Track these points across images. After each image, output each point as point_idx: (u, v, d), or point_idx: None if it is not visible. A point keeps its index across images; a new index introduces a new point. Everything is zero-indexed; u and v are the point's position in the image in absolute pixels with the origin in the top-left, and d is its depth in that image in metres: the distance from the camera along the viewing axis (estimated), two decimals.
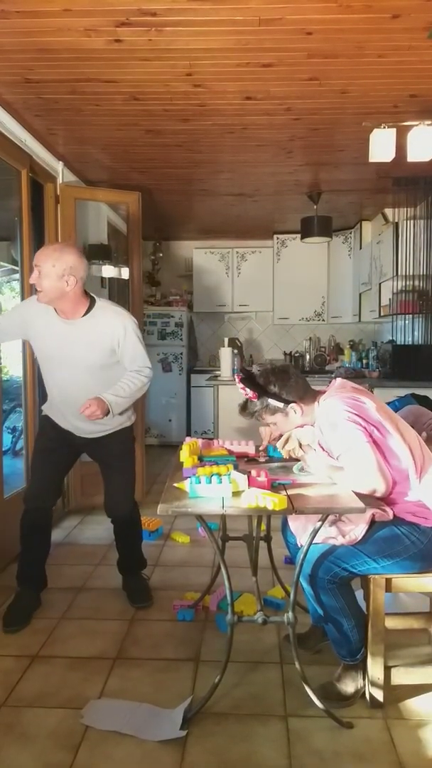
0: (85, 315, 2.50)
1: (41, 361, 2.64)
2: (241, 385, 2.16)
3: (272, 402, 2.14)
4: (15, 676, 2.21)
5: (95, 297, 2.58)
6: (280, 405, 2.14)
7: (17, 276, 3.69)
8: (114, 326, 2.51)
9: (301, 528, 2.10)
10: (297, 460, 2.20)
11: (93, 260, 4.72)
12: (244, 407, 2.23)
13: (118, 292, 5.42)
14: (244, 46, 2.53)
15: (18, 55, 2.62)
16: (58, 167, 4.10)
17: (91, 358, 2.52)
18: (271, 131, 3.59)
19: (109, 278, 5.20)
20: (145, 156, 4.07)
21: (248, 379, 2.17)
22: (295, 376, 2.17)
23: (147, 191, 4.80)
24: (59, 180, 4.11)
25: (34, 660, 2.32)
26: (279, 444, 2.25)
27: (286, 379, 2.14)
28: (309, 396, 2.16)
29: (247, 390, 2.15)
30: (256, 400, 2.15)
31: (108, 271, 5.04)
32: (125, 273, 4.87)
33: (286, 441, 2.20)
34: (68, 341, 2.49)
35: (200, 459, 2.21)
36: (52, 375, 2.62)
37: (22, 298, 3.47)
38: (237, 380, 2.19)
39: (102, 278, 5.07)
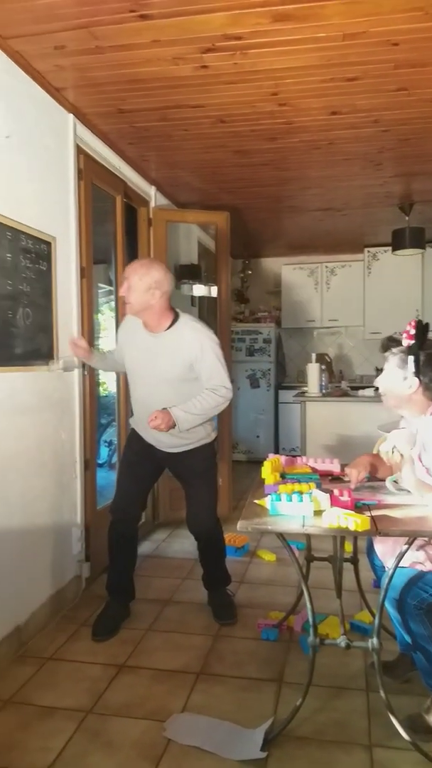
0: (168, 329, 2.59)
1: (129, 375, 2.76)
2: (413, 324, 2.02)
3: (411, 363, 2.00)
4: (102, 684, 2.27)
5: (180, 312, 2.66)
6: (412, 372, 1.99)
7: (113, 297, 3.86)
8: (191, 343, 2.57)
9: (388, 551, 2.03)
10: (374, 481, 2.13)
11: (183, 280, 4.84)
12: (391, 339, 2.11)
13: (207, 310, 5.51)
14: (328, 62, 2.53)
15: (111, 87, 2.76)
16: (150, 191, 4.25)
17: (171, 371, 2.58)
18: (358, 144, 3.54)
19: (199, 297, 5.31)
20: (233, 176, 4.14)
21: (423, 329, 2.02)
22: None
23: (236, 210, 4.87)
24: (152, 204, 4.27)
25: (121, 670, 2.37)
26: (377, 446, 2.17)
27: None
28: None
29: (412, 332, 2.01)
30: (412, 341, 2.01)
31: (198, 290, 5.14)
32: (214, 291, 4.96)
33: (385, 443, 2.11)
34: (152, 353, 2.59)
35: (282, 476, 2.20)
36: (136, 387, 2.72)
37: (118, 316, 3.61)
38: (412, 323, 2.03)
39: (192, 297, 5.19)
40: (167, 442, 2.68)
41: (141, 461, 2.80)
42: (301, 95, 2.87)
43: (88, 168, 3.20)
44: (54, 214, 2.85)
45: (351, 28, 2.28)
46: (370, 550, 2.28)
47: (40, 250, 2.68)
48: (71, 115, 2.99)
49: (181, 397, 2.54)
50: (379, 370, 7.32)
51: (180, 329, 2.58)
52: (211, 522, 2.83)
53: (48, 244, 2.75)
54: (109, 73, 2.61)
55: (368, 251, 6.57)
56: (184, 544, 3.86)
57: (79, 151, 3.11)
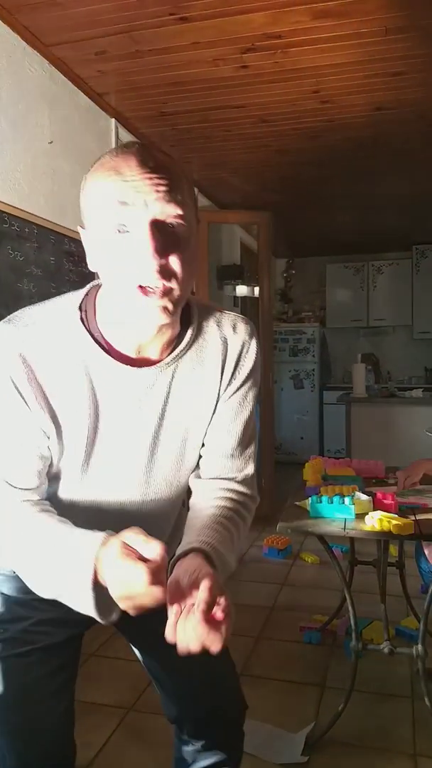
0: (183, 343, 1.58)
1: (71, 474, 1.32)
2: None
3: None
4: (144, 682, 2.29)
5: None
6: None
7: None
8: (233, 354, 1.26)
9: None
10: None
11: (225, 280, 4.85)
12: None
13: (250, 311, 5.51)
14: (371, 58, 2.49)
15: (153, 90, 2.79)
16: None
17: (192, 437, 1.23)
18: (404, 140, 3.47)
19: (242, 297, 5.31)
20: (275, 176, 4.12)
21: None
22: None
23: (279, 210, 4.85)
24: None
25: None
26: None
27: None
28: None
29: None
30: None
31: (241, 290, 5.15)
32: (257, 292, 4.95)
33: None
34: (149, 412, 1.54)
35: (324, 478, 2.17)
36: (90, 490, 1.31)
37: None
38: None
39: (234, 297, 5.19)
40: None
41: (51, 649, 1.11)
42: (343, 92, 2.83)
43: None
44: None
45: (394, 22, 2.24)
46: (419, 555, 2.23)
47: (83, 253, 2.71)
48: (113, 120, 3.03)
49: (178, 499, 1.14)
50: (428, 371, 7.10)
51: (206, 331, 1.04)
52: (240, 699, 1.27)
53: None
54: (151, 76, 2.64)
55: (416, 249, 6.43)
56: None
57: None
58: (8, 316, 0.95)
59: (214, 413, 1.05)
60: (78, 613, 1.02)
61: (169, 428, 1.01)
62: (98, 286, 0.97)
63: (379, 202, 4.87)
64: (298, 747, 1.86)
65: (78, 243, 2.88)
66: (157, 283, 0.83)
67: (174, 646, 0.88)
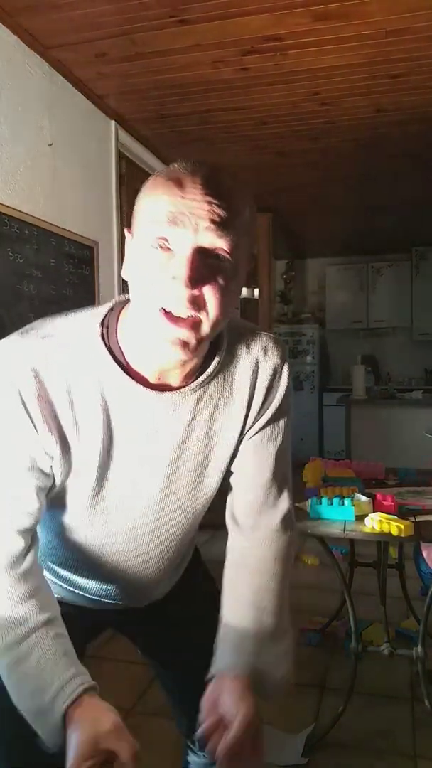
0: (208, 369, 1.19)
1: (79, 509, 1.15)
2: None
3: None
4: (143, 684, 2.29)
5: None
6: None
7: None
8: (266, 381, 1.11)
9: None
10: None
11: None
12: None
13: (249, 312, 5.51)
14: (371, 60, 2.49)
15: (153, 92, 2.79)
16: None
17: (212, 473, 1.08)
18: (405, 142, 3.47)
19: (242, 298, 5.31)
20: (276, 178, 4.12)
21: None
22: None
23: (278, 212, 4.85)
24: None
25: None
26: None
27: None
28: None
29: None
30: None
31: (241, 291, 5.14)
32: (257, 293, 4.95)
33: None
34: (169, 443, 1.20)
35: (324, 480, 2.17)
36: (95, 528, 1.13)
37: None
38: None
39: None
40: (160, 593, 1.16)
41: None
42: (344, 94, 2.83)
43: (130, 173, 3.24)
44: (96, 220, 2.90)
45: (394, 25, 2.24)
46: (417, 556, 2.23)
47: (82, 255, 2.73)
48: (113, 122, 3.03)
49: (192, 526, 1.08)
50: (428, 372, 7.10)
51: (235, 354, 0.97)
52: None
53: (90, 249, 2.80)
54: (150, 78, 2.64)
55: (416, 250, 6.44)
56: (224, 546, 3.85)
57: (121, 156, 3.16)
58: (25, 327, 0.89)
59: (240, 441, 0.99)
60: (85, 625, 1.07)
61: (189, 456, 0.95)
62: (123, 303, 0.91)
63: (378, 204, 4.88)
64: (298, 749, 1.86)
65: (78, 245, 2.87)
66: (186, 312, 0.78)
67: (188, 663, 0.99)
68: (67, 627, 0.93)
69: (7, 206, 2.23)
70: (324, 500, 1.82)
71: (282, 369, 0.98)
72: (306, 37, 2.31)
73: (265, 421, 0.98)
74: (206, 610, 1.11)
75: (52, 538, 1.01)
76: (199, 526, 1.08)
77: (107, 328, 0.88)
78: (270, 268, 4.63)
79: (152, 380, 0.88)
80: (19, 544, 0.88)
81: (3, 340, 0.87)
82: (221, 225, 0.76)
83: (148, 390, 0.87)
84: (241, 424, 0.97)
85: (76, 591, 1.07)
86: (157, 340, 0.81)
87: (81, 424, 0.87)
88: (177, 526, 1.01)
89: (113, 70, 2.55)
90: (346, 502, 1.80)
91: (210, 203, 0.76)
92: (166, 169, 0.82)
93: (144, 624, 1.19)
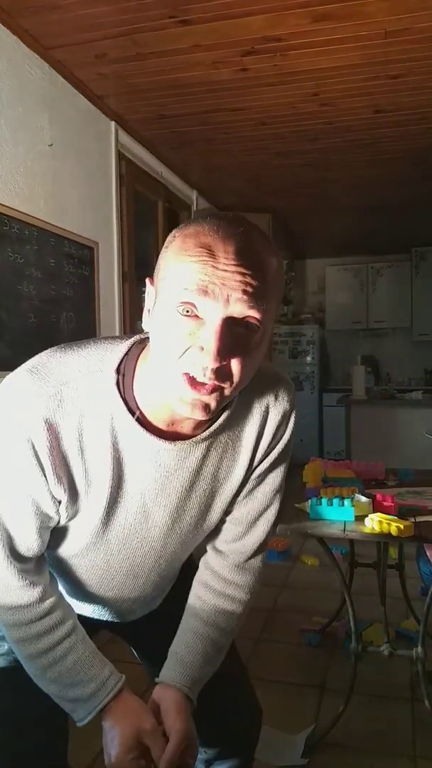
0: (219, 418, 1.07)
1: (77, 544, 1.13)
2: None
3: None
4: (143, 685, 2.28)
5: None
6: None
7: None
8: (272, 433, 1.09)
9: None
10: None
11: None
12: None
13: None
14: (370, 61, 2.49)
15: (152, 93, 2.79)
16: (192, 196, 4.28)
17: (211, 516, 1.08)
18: (404, 143, 3.48)
19: None
20: (275, 178, 4.12)
21: None
22: None
23: (278, 212, 4.85)
24: (194, 207, 4.30)
25: None
26: None
27: None
28: None
29: None
30: None
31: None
32: None
33: None
34: (179, 492, 1.14)
35: (324, 480, 2.17)
36: (91, 559, 1.13)
37: None
38: None
39: None
40: (153, 605, 1.20)
41: None
42: (343, 95, 2.83)
43: (129, 174, 3.25)
44: (96, 220, 2.90)
45: (393, 25, 2.24)
46: (420, 557, 2.23)
47: (82, 255, 2.73)
48: (113, 122, 3.03)
49: (190, 551, 1.11)
50: (428, 372, 7.09)
51: (246, 401, 0.97)
52: (256, 706, 1.30)
53: (90, 249, 2.80)
54: (150, 79, 2.64)
55: (416, 251, 6.44)
56: None
57: (121, 157, 3.16)
58: (35, 363, 0.86)
59: (245, 481, 1.00)
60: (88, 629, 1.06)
61: (195, 499, 0.96)
62: (141, 346, 0.89)
63: (378, 205, 4.88)
64: (298, 749, 1.86)
65: (78, 245, 2.86)
66: (209, 381, 0.77)
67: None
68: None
69: (6, 206, 2.23)
70: (324, 501, 1.82)
71: (290, 416, 1.00)
72: (305, 37, 2.31)
73: (268, 464, 1.01)
74: None
75: (49, 569, 1.02)
76: None
77: (123, 375, 0.86)
78: None
79: (163, 428, 0.88)
80: (27, 563, 0.92)
81: (13, 379, 0.85)
82: (253, 296, 0.75)
83: (161, 441, 0.87)
84: (247, 466, 0.98)
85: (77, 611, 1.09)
86: (176, 400, 0.80)
87: (91, 473, 0.87)
88: (177, 560, 1.06)
89: (113, 70, 2.55)
90: (346, 502, 1.80)
91: (243, 274, 0.75)
92: (196, 227, 0.78)
93: (140, 629, 1.21)
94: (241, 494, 1.02)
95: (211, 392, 0.78)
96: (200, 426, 0.89)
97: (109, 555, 0.97)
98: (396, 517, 1.72)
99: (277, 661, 2.46)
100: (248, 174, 4.02)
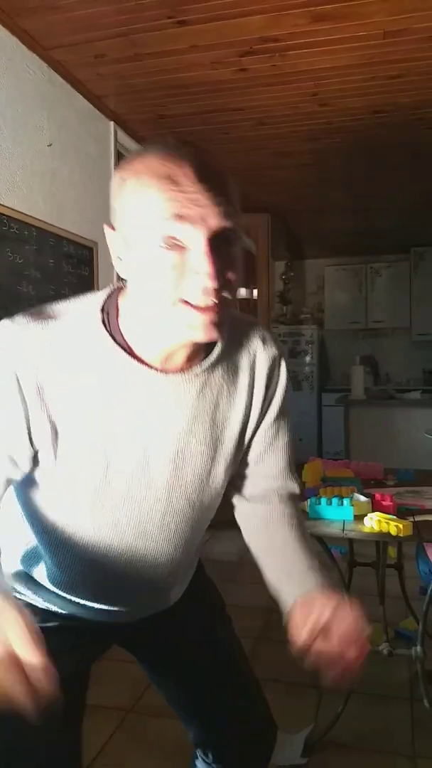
0: (214, 351, 1.08)
1: (62, 494, 1.05)
2: None
3: None
4: (143, 685, 2.29)
5: None
6: None
7: None
8: (265, 369, 1.11)
9: None
10: None
11: None
12: None
13: (249, 313, 5.52)
14: (369, 61, 2.50)
15: (151, 93, 2.80)
16: None
17: (225, 455, 1.05)
18: (402, 143, 3.48)
19: (241, 299, 5.31)
20: (274, 178, 4.12)
21: None
22: None
23: (277, 212, 4.86)
24: None
25: None
26: None
27: None
28: None
29: None
30: None
31: (240, 292, 5.14)
32: (256, 293, 4.95)
33: None
34: (179, 423, 1.10)
35: (323, 480, 2.17)
36: (89, 521, 1.06)
37: None
38: None
39: None
40: (169, 601, 1.12)
41: (62, 682, 0.73)
42: (342, 95, 2.84)
43: None
44: (95, 220, 2.90)
45: (392, 26, 2.25)
46: (419, 556, 2.23)
47: (81, 256, 2.73)
48: (112, 122, 3.04)
49: (201, 525, 1.05)
50: (427, 372, 7.07)
51: (235, 342, 0.98)
52: (271, 725, 1.25)
53: (90, 249, 2.80)
54: (149, 79, 2.64)
55: (415, 251, 6.45)
56: (227, 546, 3.85)
57: (120, 157, 3.16)
58: (26, 312, 0.88)
59: (243, 432, 0.99)
60: (91, 644, 1.05)
61: (195, 445, 0.93)
62: (119, 289, 0.91)
63: (377, 205, 4.88)
64: (298, 748, 1.86)
65: (77, 245, 2.86)
66: (211, 301, 0.78)
67: (201, 677, 1.06)
68: (74, 645, 0.99)
69: (5, 206, 2.23)
70: (323, 500, 1.82)
71: (280, 361, 1.01)
72: (304, 38, 2.32)
73: (276, 411, 1.02)
74: (212, 622, 1.18)
75: (54, 566, 0.98)
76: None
77: (108, 314, 0.87)
78: (269, 268, 4.64)
79: (157, 366, 0.87)
80: None
81: (6, 321, 0.87)
82: (224, 208, 0.77)
83: (154, 371, 0.87)
84: (244, 413, 0.97)
85: (81, 602, 1.02)
86: (182, 328, 0.80)
87: (83, 410, 0.85)
88: (185, 523, 0.98)
89: (112, 70, 2.56)
90: (345, 502, 1.80)
91: (208, 190, 0.76)
92: (144, 164, 0.78)
93: (150, 642, 1.16)
94: (264, 446, 1.03)
95: (217, 310, 0.79)
96: (193, 361, 0.89)
97: (115, 509, 0.92)
98: (395, 517, 1.73)
99: (277, 661, 2.45)
100: (247, 174, 4.02)
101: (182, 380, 0.89)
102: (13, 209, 2.27)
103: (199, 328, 0.79)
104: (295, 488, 1.08)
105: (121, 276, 0.85)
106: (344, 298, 6.81)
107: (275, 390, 1.01)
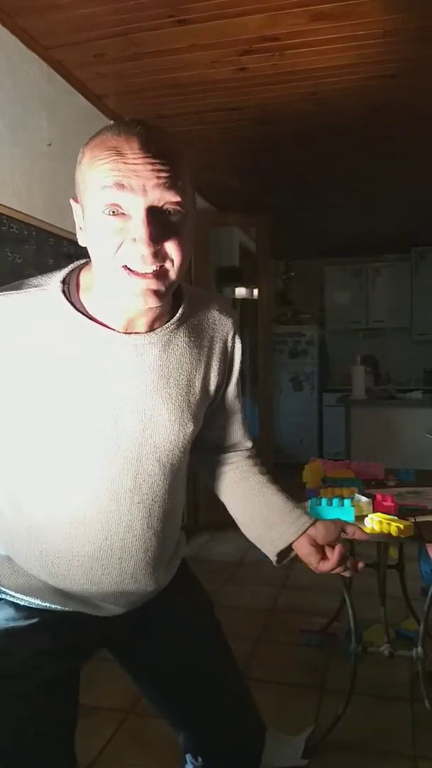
0: (176, 315, 1.13)
1: (30, 454, 1.07)
2: None
3: None
4: None
5: None
6: None
7: None
8: (225, 334, 1.21)
9: None
10: None
11: (224, 282, 4.85)
12: None
13: (248, 313, 5.50)
14: (368, 60, 2.49)
15: (151, 92, 2.79)
16: None
17: (190, 419, 1.08)
18: (401, 142, 3.48)
19: (241, 299, 5.30)
20: (273, 178, 4.12)
21: None
22: None
23: (277, 212, 4.84)
24: None
25: None
26: None
27: None
28: None
29: None
30: None
31: (240, 292, 5.15)
32: (256, 293, 4.95)
33: None
34: (145, 385, 1.14)
35: (324, 480, 2.17)
36: (64, 482, 1.07)
37: None
38: None
39: (233, 299, 5.19)
40: (153, 583, 1.06)
41: (52, 682, 0.99)
42: (340, 94, 2.83)
43: None
44: None
45: (391, 25, 2.24)
46: (421, 557, 2.23)
47: (81, 256, 2.71)
48: (112, 122, 3.03)
49: (176, 494, 1.06)
50: (428, 372, 7.06)
51: (195, 309, 1.05)
52: (260, 728, 1.25)
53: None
54: (149, 79, 2.64)
55: (415, 250, 6.44)
56: (227, 547, 3.85)
57: None
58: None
59: (206, 393, 1.05)
60: (79, 643, 1.03)
61: (162, 404, 0.96)
62: (83, 265, 0.97)
63: (377, 204, 4.88)
64: (298, 750, 1.86)
65: (76, 245, 2.86)
66: (149, 268, 0.83)
67: (191, 686, 1.10)
68: (68, 644, 1.01)
69: (5, 206, 2.22)
70: (324, 501, 1.81)
71: (236, 328, 1.10)
72: (303, 37, 2.31)
73: (235, 376, 1.12)
74: (201, 622, 1.19)
75: (28, 539, 0.97)
76: (199, 527, 1.10)
77: (68, 285, 0.94)
78: (269, 268, 4.63)
79: (121, 330, 0.93)
80: None
81: None
82: (167, 180, 0.82)
83: (114, 332, 0.92)
84: (207, 376, 1.04)
85: (60, 587, 0.99)
86: (125, 294, 0.86)
87: (45, 372, 0.90)
88: (157, 485, 0.99)
89: (112, 70, 2.55)
90: (346, 502, 1.80)
91: (152, 163, 0.81)
92: (101, 137, 0.86)
93: (138, 641, 1.15)
94: (220, 419, 1.14)
95: (156, 278, 0.84)
96: (155, 324, 0.95)
97: (86, 469, 0.94)
98: (396, 517, 1.72)
99: (278, 662, 2.45)
100: (247, 174, 4.02)
101: (144, 341, 0.93)
102: (12, 209, 2.26)
103: (139, 295, 0.85)
104: (251, 445, 1.21)
105: (81, 245, 0.91)
106: (345, 298, 6.80)
107: (233, 355, 1.09)
